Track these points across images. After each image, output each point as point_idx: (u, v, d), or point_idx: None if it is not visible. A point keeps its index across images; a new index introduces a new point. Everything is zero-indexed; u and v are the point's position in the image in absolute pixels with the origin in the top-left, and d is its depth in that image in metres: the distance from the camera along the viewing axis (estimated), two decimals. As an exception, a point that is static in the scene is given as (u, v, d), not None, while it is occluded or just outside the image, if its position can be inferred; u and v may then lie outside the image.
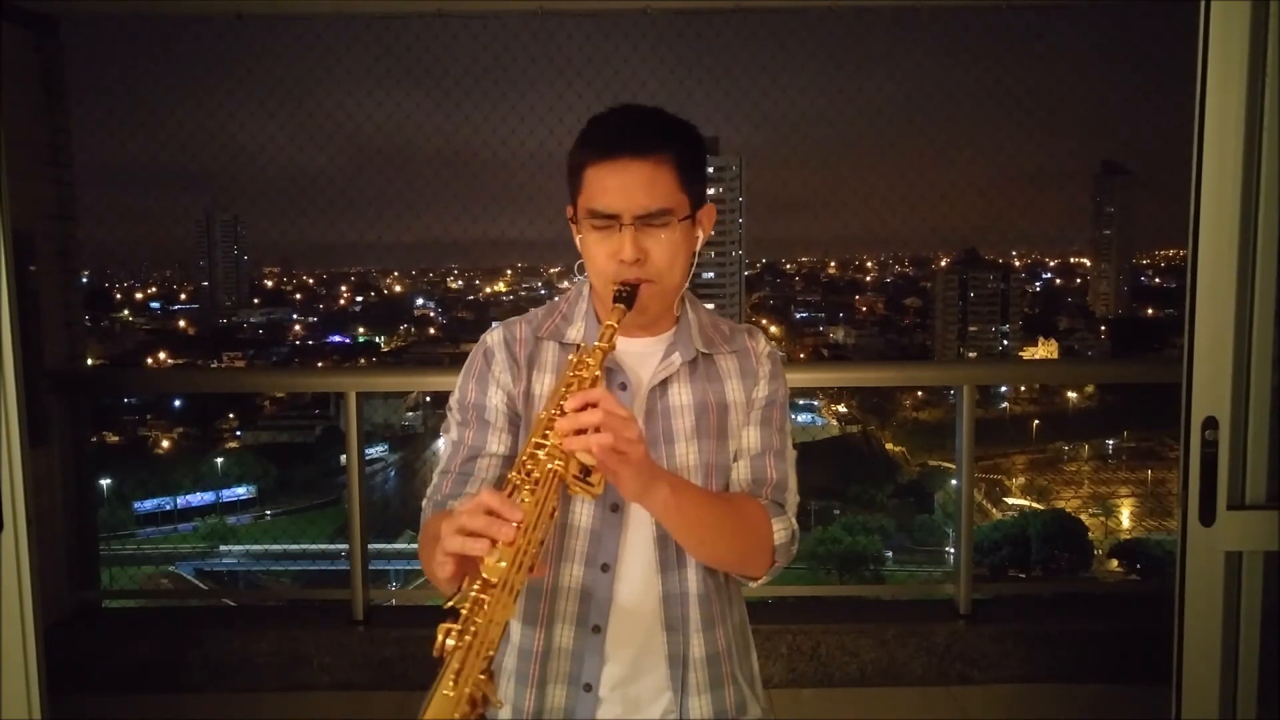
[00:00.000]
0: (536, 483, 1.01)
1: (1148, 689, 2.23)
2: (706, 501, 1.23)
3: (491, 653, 0.85)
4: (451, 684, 0.81)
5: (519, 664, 1.29)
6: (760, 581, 1.32)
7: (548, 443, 1.05)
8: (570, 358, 1.18)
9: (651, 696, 1.30)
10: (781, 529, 1.29)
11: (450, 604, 0.92)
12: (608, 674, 1.28)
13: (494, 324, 1.39)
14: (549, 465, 1.03)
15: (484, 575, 0.91)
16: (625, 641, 1.28)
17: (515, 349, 1.33)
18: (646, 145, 1.23)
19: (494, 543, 0.94)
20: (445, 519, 0.99)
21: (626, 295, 1.22)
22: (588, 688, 1.27)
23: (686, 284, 1.33)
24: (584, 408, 1.04)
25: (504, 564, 0.91)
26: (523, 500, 1.00)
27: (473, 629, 0.86)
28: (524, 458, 1.06)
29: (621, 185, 1.22)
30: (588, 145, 1.26)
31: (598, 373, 1.13)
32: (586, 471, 1.05)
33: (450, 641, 0.85)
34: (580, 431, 1.03)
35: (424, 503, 1.31)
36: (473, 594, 0.89)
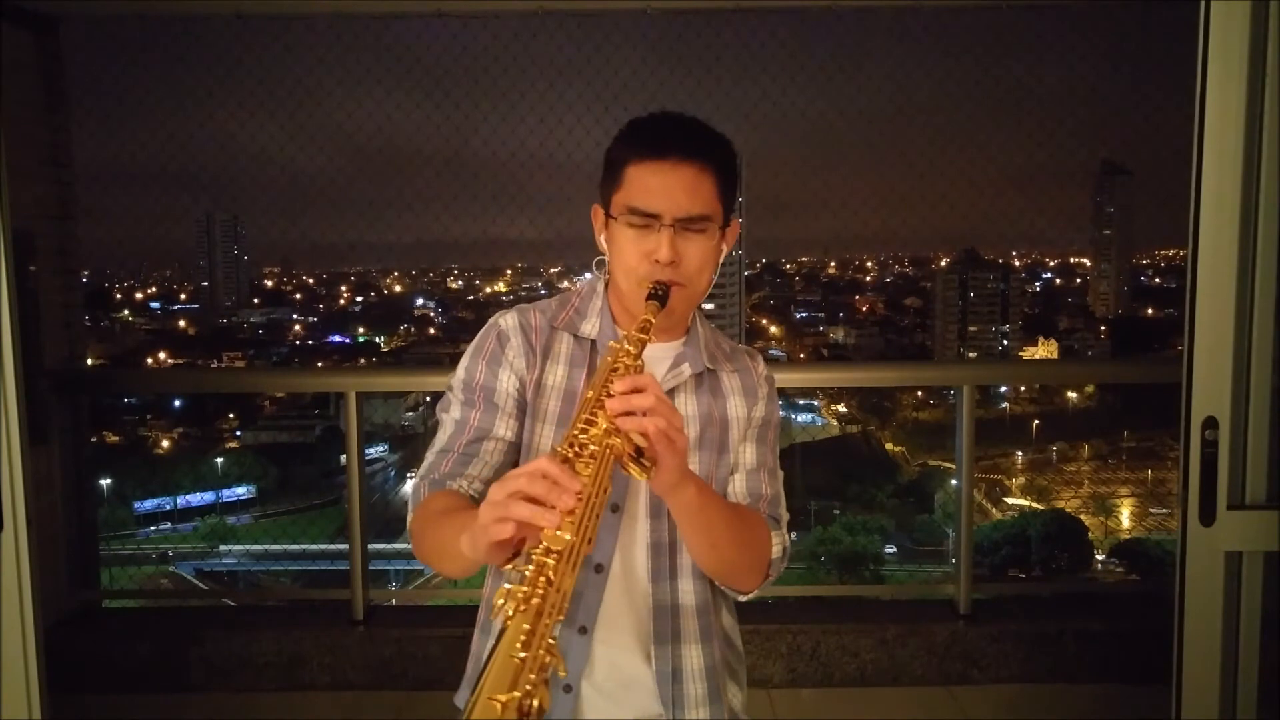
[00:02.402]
0: (592, 456, 0.99)
1: (1148, 689, 2.24)
2: (724, 508, 1.23)
3: (561, 618, 0.80)
4: (519, 647, 0.74)
5: None
6: (750, 596, 1.32)
7: (598, 420, 1.03)
8: (611, 343, 1.17)
9: (637, 705, 1.29)
10: (777, 543, 1.30)
11: (509, 566, 0.88)
12: (590, 677, 1.27)
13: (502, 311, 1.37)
14: (605, 441, 1.00)
15: (547, 542, 0.87)
16: (612, 645, 1.27)
17: (531, 336, 1.32)
18: (694, 150, 1.23)
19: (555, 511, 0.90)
20: (498, 484, 0.94)
21: (661, 294, 1.22)
22: (567, 689, 1.26)
23: (707, 293, 1.33)
24: (633, 391, 1.03)
25: (566, 535, 0.87)
26: (578, 472, 0.96)
27: (539, 593, 0.81)
28: (574, 433, 1.03)
29: (666, 186, 1.22)
30: (632, 143, 1.26)
31: (640, 361, 1.12)
32: (638, 453, 1.04)
33: (510, 606, 0.80)
34: (628, 414, 1.02)
35: (416, 481, 1.27)
36: (535, 557, 0.85)
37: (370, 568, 3.20)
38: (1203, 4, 1.74)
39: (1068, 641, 3.05)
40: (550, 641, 0.76)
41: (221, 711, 3.00)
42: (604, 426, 1.02)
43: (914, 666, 3.05)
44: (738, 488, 1.34)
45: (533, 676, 0.72)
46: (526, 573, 0.84)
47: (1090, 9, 3.60)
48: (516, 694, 0.71)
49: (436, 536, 1.11)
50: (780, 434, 1.43)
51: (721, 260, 1.32)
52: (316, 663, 3.07)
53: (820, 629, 3.06)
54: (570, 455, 0.99)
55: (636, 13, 3.31)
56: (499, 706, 0.69)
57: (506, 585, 0.82)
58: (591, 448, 1.00)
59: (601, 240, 1.32)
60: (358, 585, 3.14)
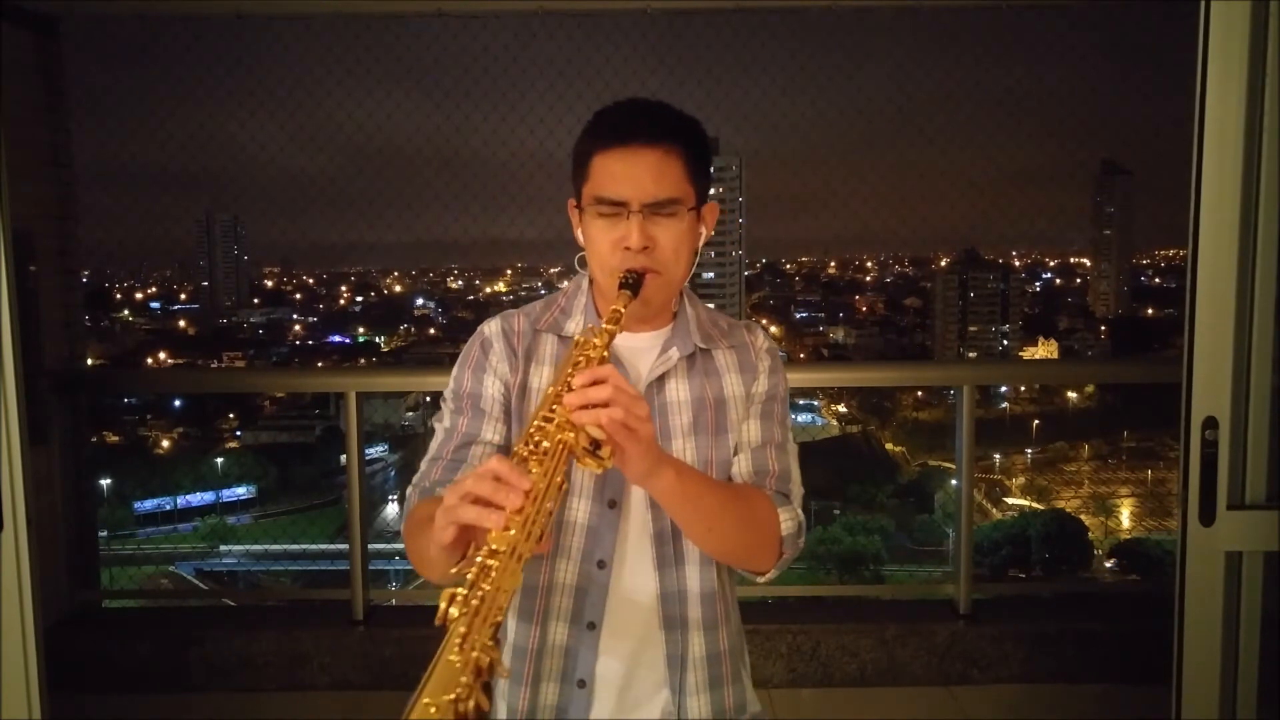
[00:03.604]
0: (545, 453, 0.98)
1: (1148, 689, 2.24)
2: (712, 488, 1.21)
3: (499, 619, 0.81)
4: (457, 649, 0.75)
5: (513, 661, 1.28)
6: (768, 576, 1.29)
7: (555, 416, 1.02)
8: (576, 337, 1.16)
9: (649, 695, 1.29)
10: (788, 519, 1.27)
11: (455, 571, 0.89)
12: (603, 671, 1.27)
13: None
14: (558, 436, 1.00)
15: (491, 543, 0.87)
16: (621, 639, 1.27)
17: (513, 340, 1.32)
18: (656, 134, 1.22)
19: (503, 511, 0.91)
20: (451, 486, 0.95)
21: (633, 283, 1.21)
22: (581, 684, 1.26)
23: (688, 279, 1.32)
24: (592, 384, 1.02)
25: (512, 532, 0.88)
26: (530, 470, 0.96)
27: (479, 595, 0.81)
28: (530, 430, 1.03)
29: (630, 172, 1.21)
30: (596, 134, 1.25)
31: (605, 354, 1.11)
32: (595, 446, 1.03)
33: (454, 610, 0.81)
34: (588, 407, 1.01)
35: (409, 490, 1.28)
36: (479, 560, 0.86)
37: (370, 568, 3.19)
38: (1203, 4, 1.74)
39: (1068, 641, 3.05)
40: (489, 644, 0.76)
41: (221, 711, 2.99)
42: (558, 421, 1.01)
43: (914, 666, 3.05)
44: (742, 467, 1.31)
45: (465, 680, 0.72)
46: (469, 576, 0.84)
47: (1090, 9, 3.59)
48: (449, 698, 0.71)
49: (420, 543, 1.11)
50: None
51: (702, 244, 1.30)
52: (317, 663, 3.07)
53: (820, 629, 3.06)
54: (526, 454, 0.99)
55: (636, 13, 3.31)
56: (433, 710, 0.70)
57: (456, 590, 0.82)
58: (545, 444, 0.99)
59: (579, 235, 1.31)
60: (358, 585, 3.14)
